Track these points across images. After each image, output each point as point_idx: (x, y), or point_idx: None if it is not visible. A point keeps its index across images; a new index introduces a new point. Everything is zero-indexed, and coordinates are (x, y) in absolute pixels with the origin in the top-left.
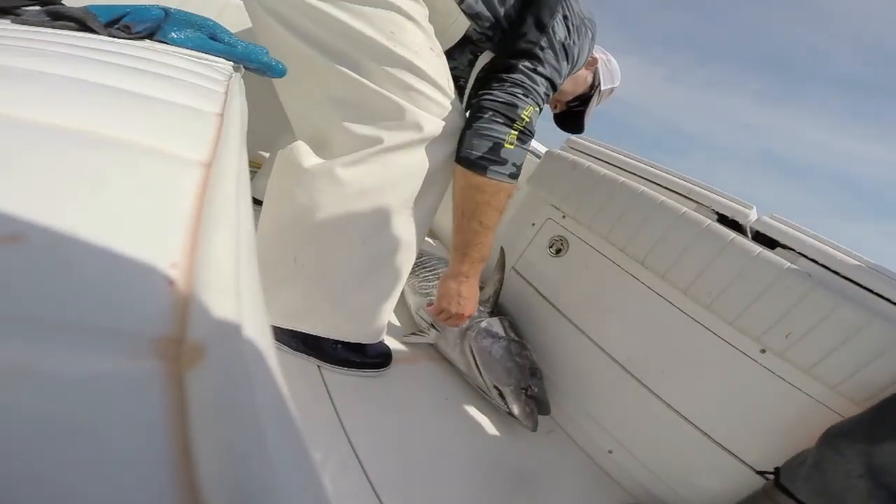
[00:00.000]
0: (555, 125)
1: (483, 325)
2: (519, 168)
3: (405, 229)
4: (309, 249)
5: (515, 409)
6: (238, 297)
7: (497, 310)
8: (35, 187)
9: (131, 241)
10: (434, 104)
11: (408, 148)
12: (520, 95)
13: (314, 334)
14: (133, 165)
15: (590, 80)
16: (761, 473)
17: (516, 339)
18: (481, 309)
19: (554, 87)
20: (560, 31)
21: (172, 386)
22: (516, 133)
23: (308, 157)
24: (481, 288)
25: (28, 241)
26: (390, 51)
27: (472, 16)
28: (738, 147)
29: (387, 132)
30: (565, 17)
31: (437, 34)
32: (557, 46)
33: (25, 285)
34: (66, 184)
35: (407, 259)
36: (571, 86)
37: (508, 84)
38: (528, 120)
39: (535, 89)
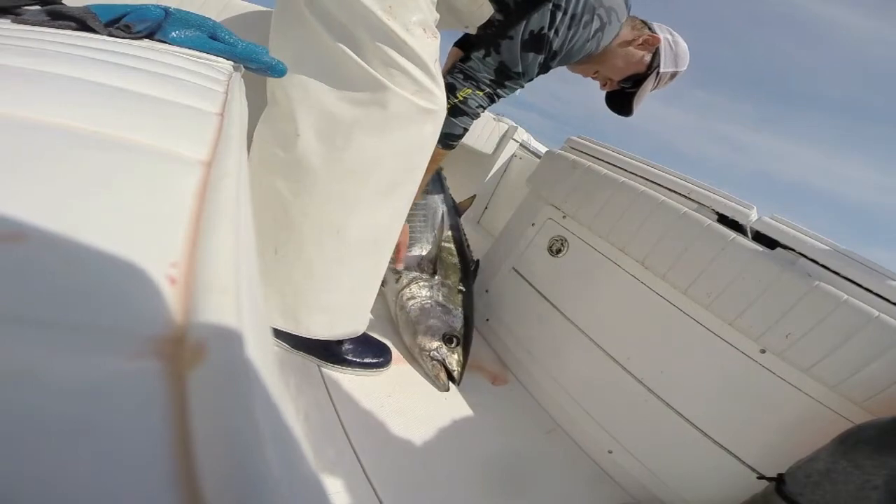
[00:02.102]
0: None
1: (413, 285)
2: (451, 137)
3: (382, 216)
4: (288, 240)
5: (426, 368)
6: (238, 297)
7: (438, 271)
8: (35, 187)
9: (131, 240)
10: (414, 84)
11: (379, 130)
12: (459, 80)
13: (296, 334)
14: (133, 165)
15: (647, 59)
16: (762, 478)
17: (441, 302)
18: (423, 269)
19: (507, 73)
20: (536, 22)
21: (173, 386)
22: (448, 107)
23: (281, 145)
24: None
25: (28, 241)
26: (383, 23)
27: (494, 1)
28: (733, 168)
29: (361, 109)
30: (556, 7)
31: (464, 16)
32: (525, 36)
33: (25, 285)
34: (66, 183)
35: (385, 248)
36: (623, 63)
37: (456, 71)
38: (461, 98)
39: (476, 75)
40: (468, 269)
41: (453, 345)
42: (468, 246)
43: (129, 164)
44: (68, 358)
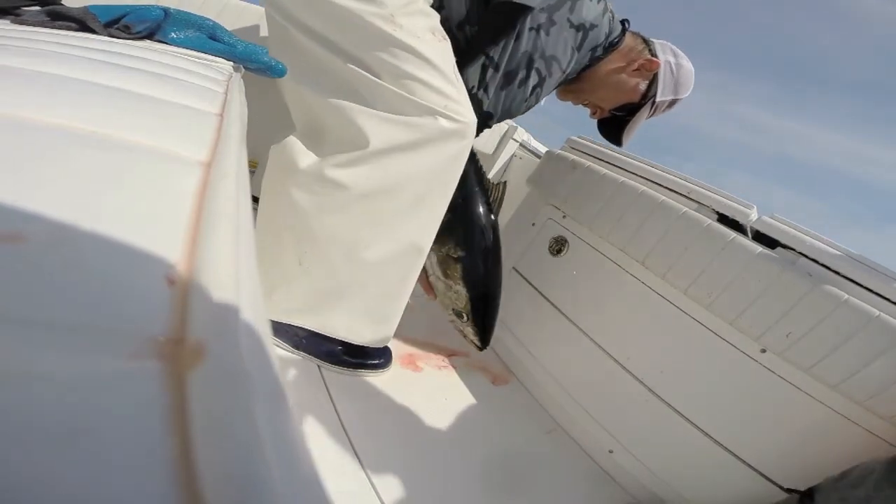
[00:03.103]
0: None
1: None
2: None
3: (411, 234)
4: (313, 254)
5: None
6: (238, 297)
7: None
8: (35, 187)
9: (131, 240)
10: (437, 94)
11: (406, 147)
12: None
13: (318, 332)
14: (133, 165)
15: (642, 87)
16: (790, 491)
17: (440, 276)
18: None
19: None
20: (469, 81)
21: (173, 386)
22: None
23: (303, 156)
24: None
25: (28, 241)
26: (390, 35)
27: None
28: (751, 151)
29: (384, 127)
30: (489, 61)
31: None
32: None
33: (25, 285)
34: (66, 183)
35: (414, 265)
36: (614, 93)
37: None
38: None
39: None
40: (488, 221)
41: (464, 319)
42: (483, 173)
43: (130, 165)
44: (67, 358)
